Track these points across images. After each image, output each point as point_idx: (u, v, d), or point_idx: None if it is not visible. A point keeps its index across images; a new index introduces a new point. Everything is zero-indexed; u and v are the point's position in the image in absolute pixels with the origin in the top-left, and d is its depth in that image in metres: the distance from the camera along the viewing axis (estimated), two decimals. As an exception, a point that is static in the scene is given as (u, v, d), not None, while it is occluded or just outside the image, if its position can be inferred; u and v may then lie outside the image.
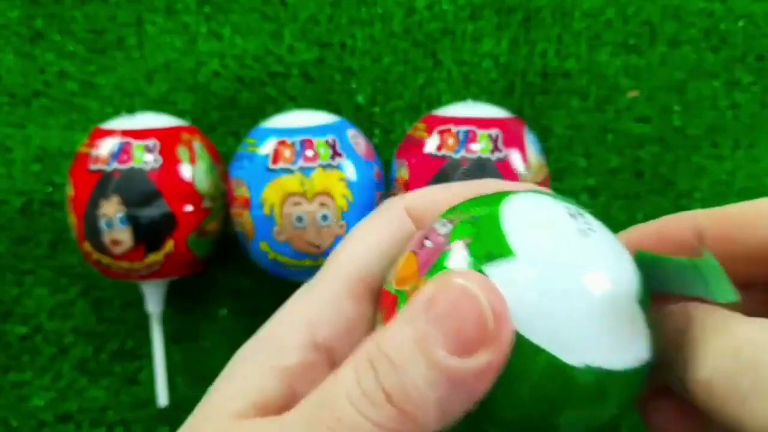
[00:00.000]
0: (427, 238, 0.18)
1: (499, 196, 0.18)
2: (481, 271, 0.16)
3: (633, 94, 0.46)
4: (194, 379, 0.47)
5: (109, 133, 0.40)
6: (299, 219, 0.38)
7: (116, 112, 0.46)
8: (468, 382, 0.16)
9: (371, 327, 0.20)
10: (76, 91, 0.47)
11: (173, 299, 0.45)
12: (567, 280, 0.16)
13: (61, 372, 0.47)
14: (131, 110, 0.46)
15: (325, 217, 0.38)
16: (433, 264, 0.17)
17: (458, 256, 0.17)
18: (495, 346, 0.16)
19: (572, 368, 0.16)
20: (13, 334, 0.47)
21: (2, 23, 0.47)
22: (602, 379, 0.16)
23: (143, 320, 0.46)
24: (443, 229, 0.18)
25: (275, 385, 0.19)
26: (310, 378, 0.20)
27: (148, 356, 0.46)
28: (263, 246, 0.40)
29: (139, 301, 0.45)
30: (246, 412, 0.18)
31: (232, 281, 0.47)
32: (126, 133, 0.40)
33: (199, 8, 0.47)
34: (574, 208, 0.18)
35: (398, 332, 0.17)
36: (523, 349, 0.16)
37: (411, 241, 0.19)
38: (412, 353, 0.16)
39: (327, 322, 0.20)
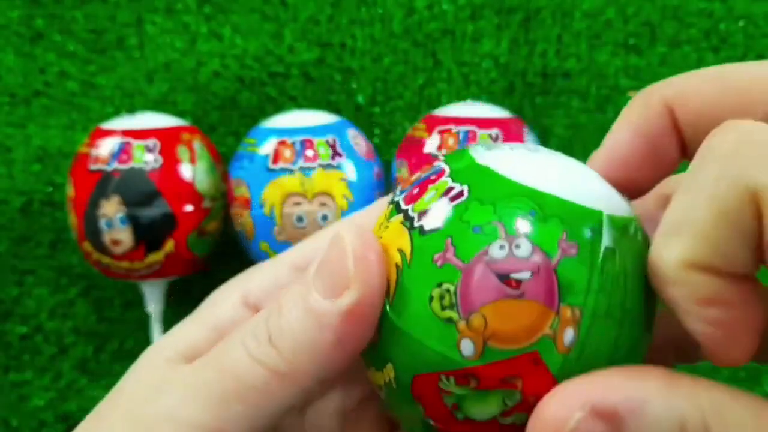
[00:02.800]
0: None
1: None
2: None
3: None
4: (194, 379, 0.47)
5: (110, 133, 0.40)
6: (299, 219, 0.38)
7: (116, 112, 0.46)
8: (334, 324, 0.17)
9: None
10: (76, 91, 0.47)
11: (173, 299, 0.45)
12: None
13: (61, 372, 0.47)
14: (131, 110, 0.46)
15: (325, 217, 0.39)
16: None
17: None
18: (355, 287, 0.17)
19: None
20: (13, 333, 0.47)
21: (2, 23, 0.47)
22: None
23: (143, 320, 0.46)
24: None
25: (205, 336, 0.21)
26: None
27: (148, 356, 0.46)
28: (263, 246, 0.40)
29: (139, 301, 0.45)
30: (177, 358, 0.20)
31: (232, 281, 0.47)
32: (126, 133, 0.40)
33: (199, 8, 0.47)
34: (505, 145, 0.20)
35: (293, 285, 0.19)
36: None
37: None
38: (294, 299, 0.18)
39: (259, 283, 0.22)
